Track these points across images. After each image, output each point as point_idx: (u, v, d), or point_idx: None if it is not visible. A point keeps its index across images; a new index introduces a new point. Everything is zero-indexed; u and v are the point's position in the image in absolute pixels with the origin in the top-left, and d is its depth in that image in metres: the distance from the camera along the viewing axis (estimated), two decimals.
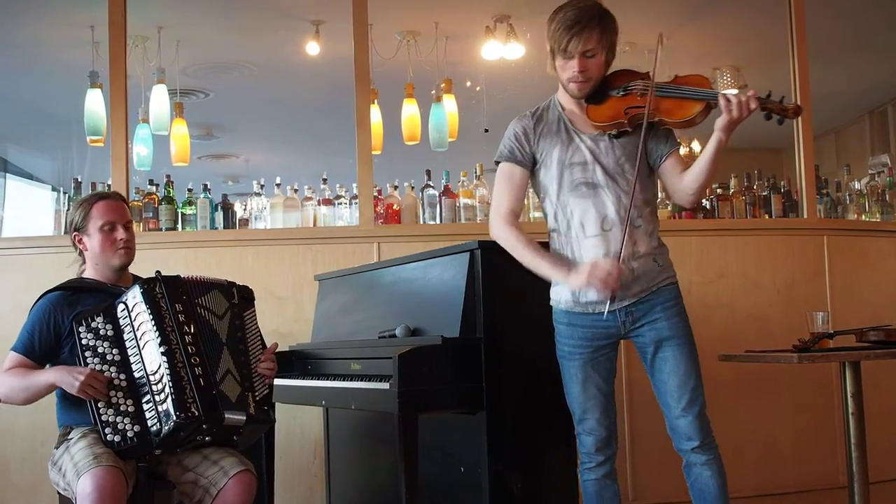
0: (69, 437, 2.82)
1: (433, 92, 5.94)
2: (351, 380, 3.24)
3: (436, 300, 3.29)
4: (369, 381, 3.11)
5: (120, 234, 2.99)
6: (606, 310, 2.75)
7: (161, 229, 4.59)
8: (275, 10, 5.54)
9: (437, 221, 4.75)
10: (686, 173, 2.78)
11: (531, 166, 2.88)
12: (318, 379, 3.46)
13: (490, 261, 3.13)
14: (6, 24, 5.46)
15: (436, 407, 3.04)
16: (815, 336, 3.48)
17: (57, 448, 2.83)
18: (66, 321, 2.88)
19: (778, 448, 4.54)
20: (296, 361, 3.79)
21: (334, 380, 3.36)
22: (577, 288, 2.76)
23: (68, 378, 2.70)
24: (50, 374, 2.77)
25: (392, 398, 2.90)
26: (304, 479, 4.31)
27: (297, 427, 4.27)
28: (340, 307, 3.92)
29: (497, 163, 2.92)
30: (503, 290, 3.16)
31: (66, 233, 3.11)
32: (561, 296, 2.87)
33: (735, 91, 2.63)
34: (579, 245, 2.80)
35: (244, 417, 2.80)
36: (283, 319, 4.31)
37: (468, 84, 6.55)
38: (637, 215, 2.79)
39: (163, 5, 5.34)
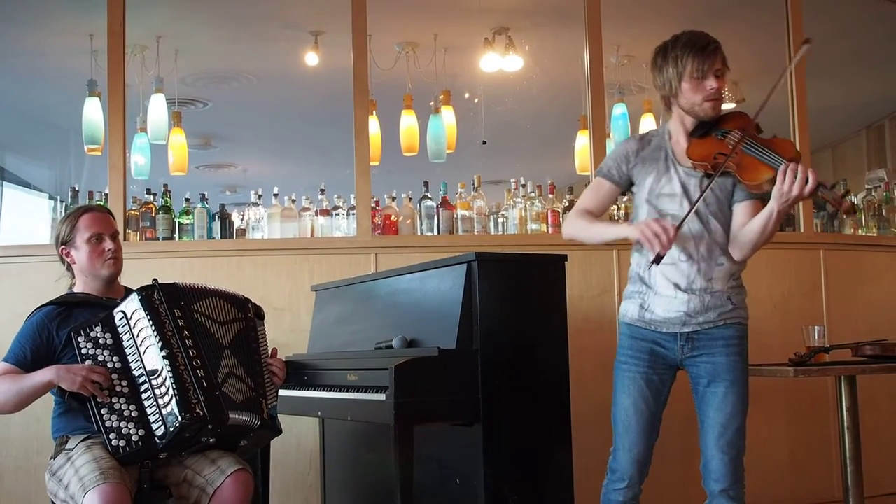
0: (68, 446, 2.80)
1: (431, 103, 5.94)
2: (347, 391, 3.24)
3: (433, 311, 3.29)
4: (365, 392, 3.11)
5: (107, 244, 3.01)
6: (651, 266, 2.75)
7: (158, 238, 4.58)
8: (274, 21, 5.55)
9: (435, 233, 4.75)
10: (743, 228, 2.78)
11: (626, 187, 2.93)
12: (315, 390, 3.46)
13: (487, 273, 3.14)
14: (5, 32, 5.46)
15: (432, 418, 3.04)
16: (811, 350, 3.48)
17: (55, 458, 2.81)
18: (61, 335, 2.87)
19: (774, 462, 4.53)
20: (292, 372, 3.76)
21: (330, 391, 3.35)
22: (632, 237, 2.74)
23: (67, 375, 2.69)
24: (46, 373, 2.73)
25: (388, 409, 2.91)
26: (299, 490, 4.29)
27: (293, 438, 4.26)
28: (337, 318, 3.92)
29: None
30: (500, 301, 3.17)
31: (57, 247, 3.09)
32: (628, 310, 2.90)
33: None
34: (654, 270, 2.81)
35: (257, 421, 2.83)
36: (279, 330, 4.29)
37: (467, 96, 6.55)
38: (720, 253, 2.80)
39: (162, 15, 5.35)
